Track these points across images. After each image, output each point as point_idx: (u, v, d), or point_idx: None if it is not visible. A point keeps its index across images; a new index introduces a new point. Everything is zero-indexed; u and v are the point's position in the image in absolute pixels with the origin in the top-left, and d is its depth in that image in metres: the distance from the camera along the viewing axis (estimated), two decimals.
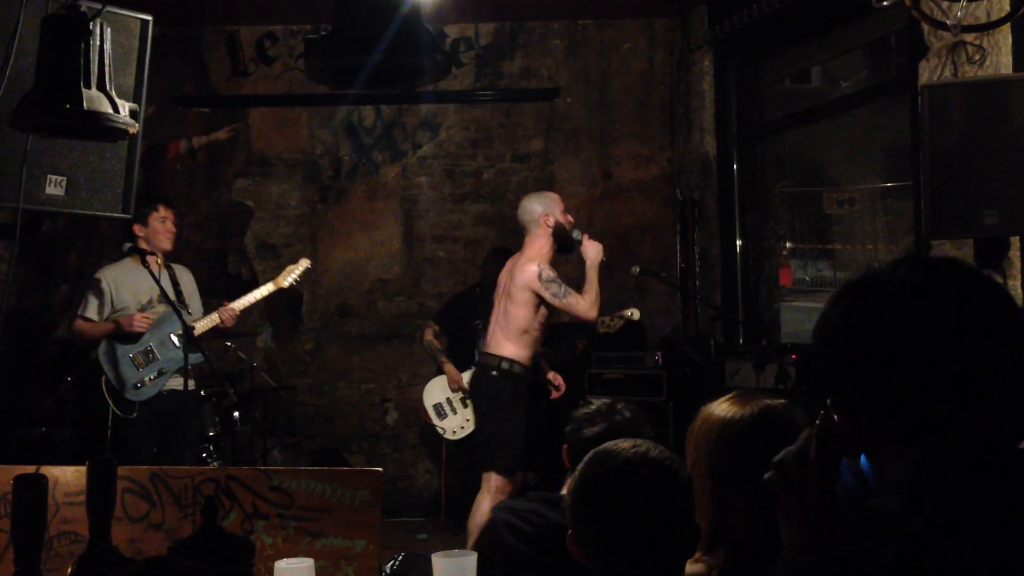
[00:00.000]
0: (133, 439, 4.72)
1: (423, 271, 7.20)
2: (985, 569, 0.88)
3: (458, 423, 5.83)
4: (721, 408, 1.81)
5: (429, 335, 6.03)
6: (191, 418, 4.97)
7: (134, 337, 4.77)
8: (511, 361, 4.67)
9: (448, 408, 5.86)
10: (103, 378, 4.77)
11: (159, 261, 4.82)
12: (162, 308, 4.83)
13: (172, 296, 4.80)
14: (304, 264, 5.21)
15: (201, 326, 4.86)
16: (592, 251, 4.70)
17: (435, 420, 5.86)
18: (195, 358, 4.80)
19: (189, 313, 4.87)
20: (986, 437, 0.95)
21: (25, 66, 2.44)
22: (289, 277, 5.13)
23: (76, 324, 4.87)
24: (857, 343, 1.00)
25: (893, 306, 0.98)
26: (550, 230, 4.71)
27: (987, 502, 0.91)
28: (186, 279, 5.06)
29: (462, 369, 5.76)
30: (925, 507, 0.93)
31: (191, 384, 4.90)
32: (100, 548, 1.54)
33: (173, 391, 4.81)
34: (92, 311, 4.81)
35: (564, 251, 4.79)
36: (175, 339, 4.79)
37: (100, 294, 4.82)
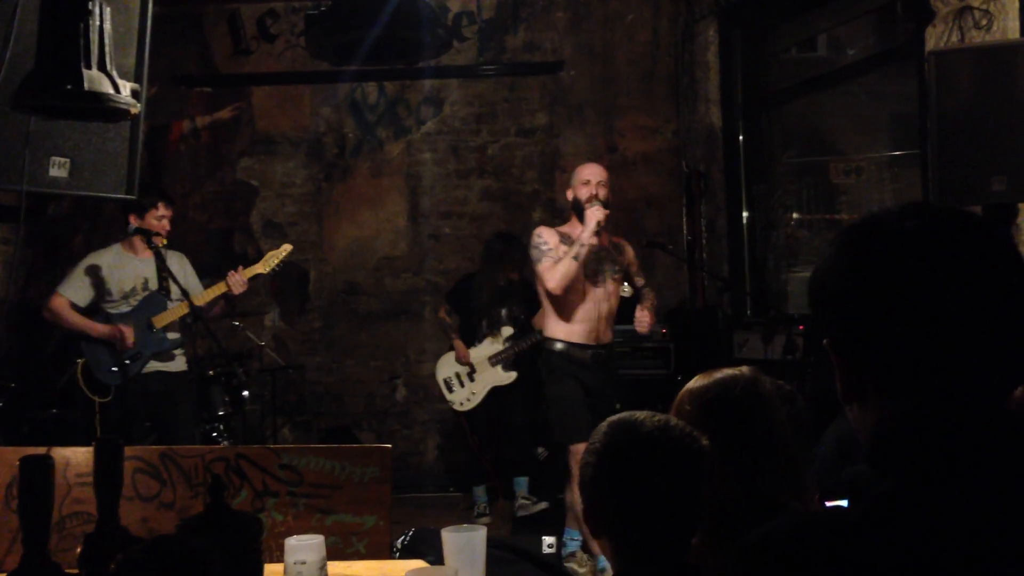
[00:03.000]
0: (113, 421, 4.70)
1: (429, 247, 7.19)
2: (944, 538, 0.88)
3: (465, 396, 6.05)
4: (688, 384, 1.90)
5: (442, 313, 6.26)
6: (183, 398, 4.98)
7: (115, 322, 4.79)
8: (547, 338, 4.64)
9: (456, 382, 6.06)
10: (80, 362, 4.77)
11: (162, 244, 4.87)
12: (145, 295, 4.87)
13: (155, 283, 4.82)
14: (286, 249, 5.19)
15: (207, 295, 4.89)
16: (588, 218, 4.45)
17: (445, 393, 6.09)
18: (174, 342, 4.88)
19: (170, 299, 4.88)
20: (975, 397, 0.95)
21: (25, 47, 2.43)
22: (271, 263, 5.11)
23: (55, 301, 4.77)
24: (859, 290, 1.00)
25: (900, 256, 0.98)
26: (571, 207, 4.65)
27: (957, 468, 0.92)
28: (176, 266, 4.96)
29: (470, 346, 6.06)
30: (889, 473, 0.94)
31: (181, 365, 4.96)
32: (108, 527, 1.55)
33: (160, 372, 4.85)
34: (74, 292, 4.78)
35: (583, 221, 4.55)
36: (153, 324, 4.83)
37: (85, 278, 4.80)
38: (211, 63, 7.21)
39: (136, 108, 2.25)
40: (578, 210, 4.55)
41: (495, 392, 6.00)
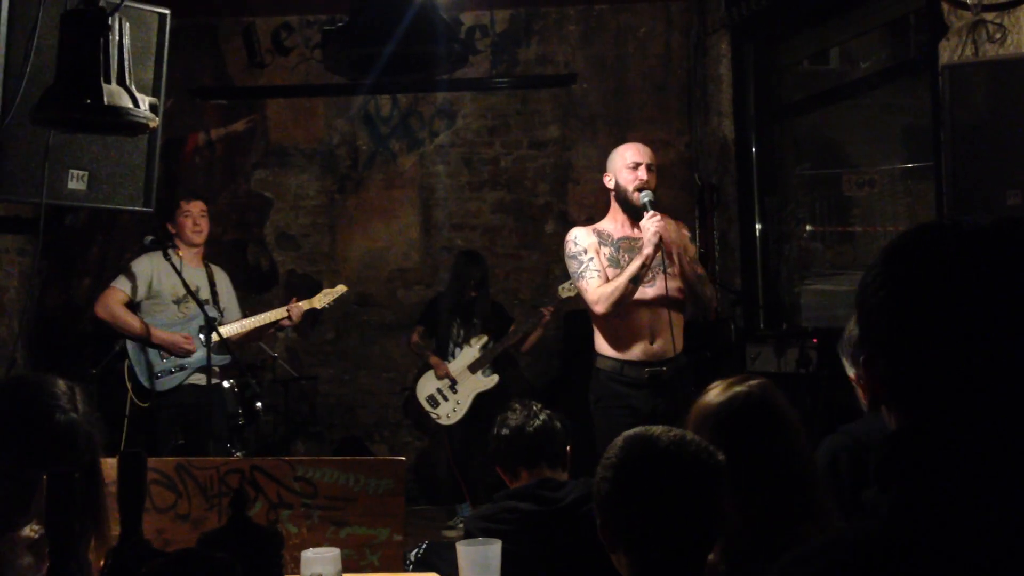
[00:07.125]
0: (152, 429, 4.70)
1: (442, 260, 7.20)
2: (948, 558, 0.89)
3: (449, 408, 6.13)
4: (705, 395, 1.93)
5: (415, 336, 6.36)
6: (215, 410, 4.97)
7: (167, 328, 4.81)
8: (596, 355, 3.85)
9: (439, 396, 6.15)
10: (126, 362, 4.75)
11: (199, 256, 4.96)
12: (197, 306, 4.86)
13: (208, 294, 4.88)
14: (341, 289, 5.31)
15: (262, 320, 4.96)
16: (647, 230, 3.65)
17: (429, 410, 6.15)
18: (221, 359, 4.87)
19: (220, 311, 4.92)
20: (996, 420, 0.93)
21: (45, 62, 2.46)
22: (326, 300, 5.21)
23: (111, 296, 4.72)
24: (895, 305, 0.99)
25: (939, 275, 0.97)
26: (612, 194, 3.85)
27: (956, 491, 0.91)
28: (222, 280, 5.05)
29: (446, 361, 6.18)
30: (891, 495, 0.95)
31: (214, 379, 4.94)
32: (132, 540, 1.57)
33: (194, 385, 4.82)
34: (127, 286, 4.76)
35: (636, 220, 3.76)
36: (202, 336, 4.81)
37: (135, 275, 4.79)
38: (226, 76, 7.25)
39: (155, 122, 2.27)
40: (620, 199, 3.79)
41: (481, 402, 6.02)
